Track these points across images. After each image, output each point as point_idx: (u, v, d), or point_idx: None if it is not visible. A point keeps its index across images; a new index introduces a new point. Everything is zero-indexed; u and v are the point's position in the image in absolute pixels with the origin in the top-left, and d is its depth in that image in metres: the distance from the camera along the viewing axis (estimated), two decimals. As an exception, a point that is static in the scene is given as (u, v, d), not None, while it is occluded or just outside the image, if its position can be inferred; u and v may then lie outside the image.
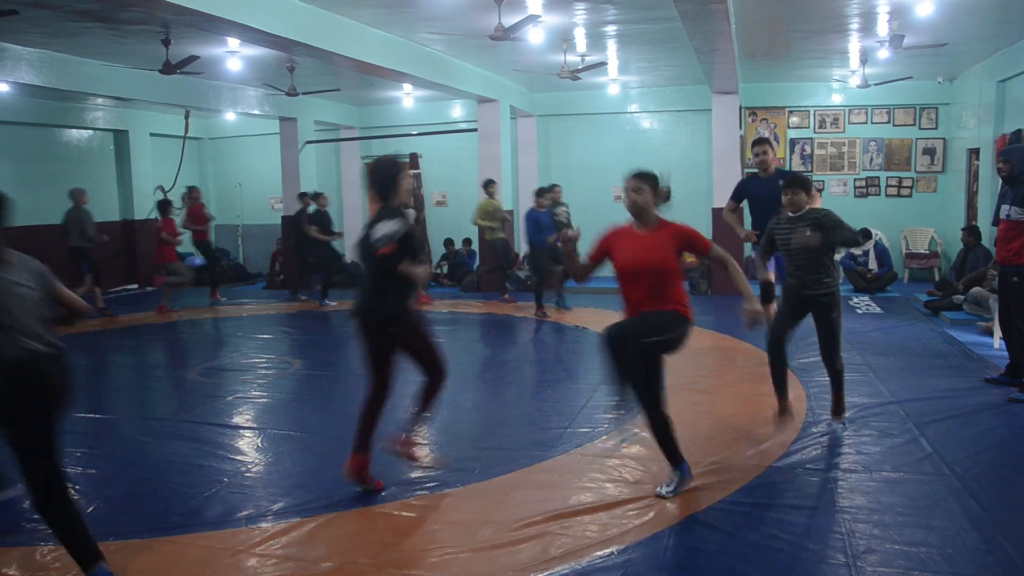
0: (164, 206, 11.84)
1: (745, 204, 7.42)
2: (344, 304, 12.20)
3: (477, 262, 13.84)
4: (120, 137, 15.04)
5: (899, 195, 13.78)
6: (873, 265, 12.35)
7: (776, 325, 5.36)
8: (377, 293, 4.39)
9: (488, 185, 11.90)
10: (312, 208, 12.55)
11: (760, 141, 7.06)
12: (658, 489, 4.35)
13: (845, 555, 3.61)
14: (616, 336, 4.23)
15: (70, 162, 14.24)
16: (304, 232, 12.33)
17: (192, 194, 12.69)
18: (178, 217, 14.50)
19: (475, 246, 14.00)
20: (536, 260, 10.77)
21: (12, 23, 7.64)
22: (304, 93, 11.88)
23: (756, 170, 7.42)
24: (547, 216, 10.83)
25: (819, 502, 4.22)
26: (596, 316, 9.98)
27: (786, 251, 5.27)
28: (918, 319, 9.67)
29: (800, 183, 5.24)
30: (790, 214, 5.27)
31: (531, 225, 10.73)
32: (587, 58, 10.56)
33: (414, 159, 15.28)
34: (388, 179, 4.46)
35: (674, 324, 4.22)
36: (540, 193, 10.96)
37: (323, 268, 12.52)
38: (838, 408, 5.50)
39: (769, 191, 6.75)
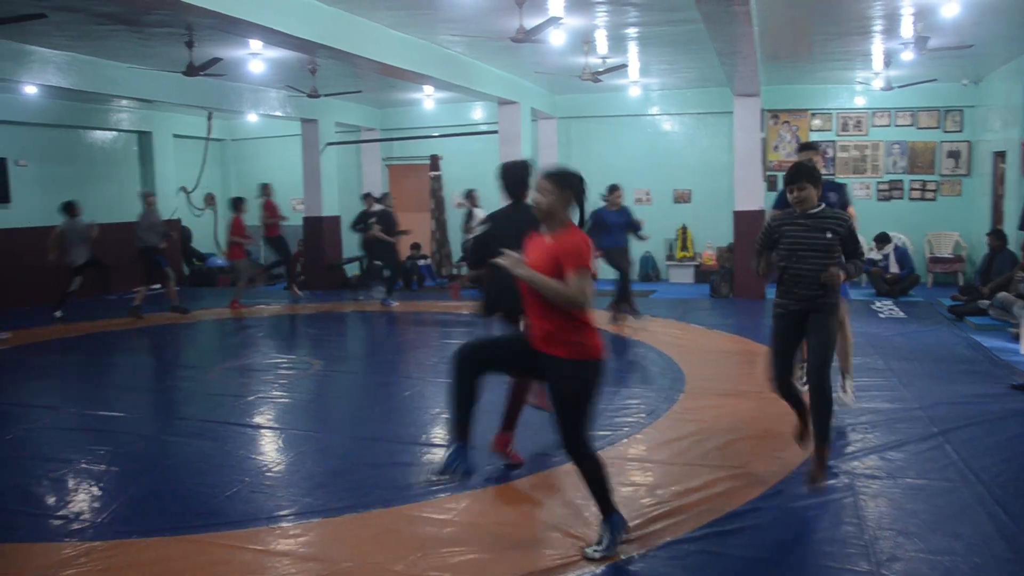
0: (237, 203, 12.07)
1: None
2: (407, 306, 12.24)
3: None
4: (144, 138, 15.20)
5: (923, 198, 13.64)
6: (894, 268, 12.24)
7: (777, 361, 4.56)
8: None
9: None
10: (376, 207, 12.60)
11: (807, 147, 5.98)
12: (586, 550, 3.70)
13: (868, 562, 3.57)
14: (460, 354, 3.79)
15: (95, 163, 14.40)
16: (368, 233, 12.31)
17: (265, 191, 13.17)
18: (197, 217, 14.69)
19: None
20: (609, 262, 9.70)
21: (40, 26, 7.72)
22: (325, 95, 11.94)
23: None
24: (618, 217, 9.82)
25: (842, 508, 4.18)
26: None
27: (789, 253, 4.46)
28: (942, 324, 9.57)
29: (806, 174, 4.42)
30: (797, 212, 4.49)
31: (593, 226, 9.34)
32: (608, 60, 10.53)
33: (434, 161, 15.31)
34: (519, 179, 5.01)
35: (565, 393, 3.57)
36: (611, 190, 9.91)
37: (390, 268, 12.44)
38: (820, 461, 4.36)
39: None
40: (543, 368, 3.63)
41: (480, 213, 12.19)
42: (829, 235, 4.35)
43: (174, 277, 11.53)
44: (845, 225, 4.40)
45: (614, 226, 9.70)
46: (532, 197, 3.69)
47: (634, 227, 9.94)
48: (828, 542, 3.81)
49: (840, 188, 6.03)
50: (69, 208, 10.93)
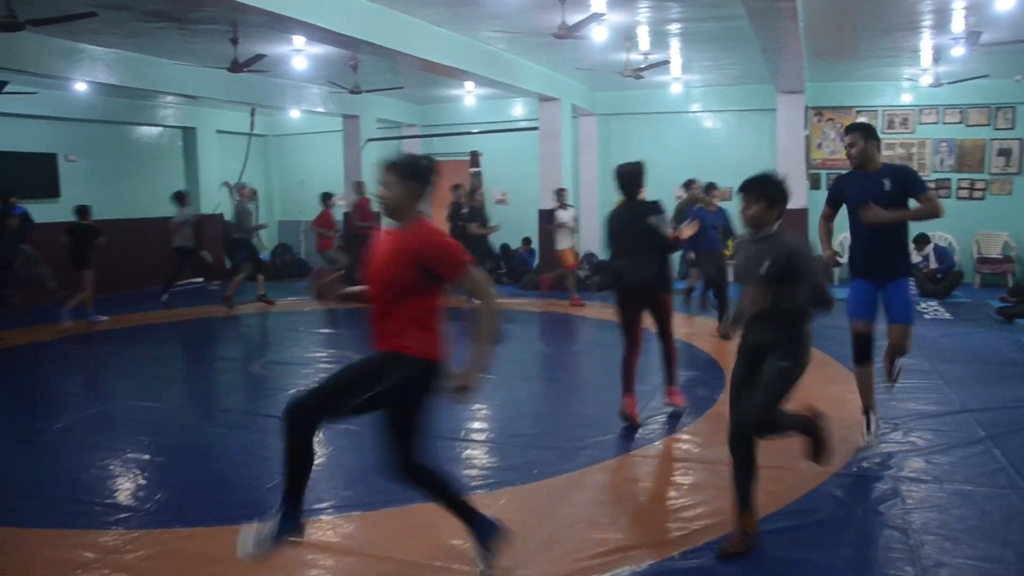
0: (326, 198, 12.43)
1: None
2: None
3: (537, 261, 13.81)
4: (188, 134, 15.44)
5: (971, 198, 13.34)
6: (933, 264, 12.02)
7: (738, 406, 3.77)
8: (646, 266, 5.45)
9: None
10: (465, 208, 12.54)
11: (852, 128, 5.00)
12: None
13: (914, 567, 3.50)
14: (294, 410, 3.10)
15: (141, 158, 14.66)
16: (461, 228, 12.26)
17: (360, 189, 13.30)
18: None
19: (535, 244, 13.98)
20: (701, 267, 9.24)
21: (90, 25, 7.87)
22: (367, 91, 12.01)
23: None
24: (715, 218, 9.05)
25: (886, 512, 4.11)
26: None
27: (739, 282, 3.89)
28: (990, 326, 9.36)
29: (757, 187, 3.67)
30: (750, 234, 3.80)
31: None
32: (650, 57, 10.45)
33: (475, 157, 15.33)
34: (634, 178, 5.55)
35: (377, 376, 3.16)
36: (708, 188, 9.28)
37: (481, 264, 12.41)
38: (740, 530, 3.68)
39: (871, 192, 4.87)
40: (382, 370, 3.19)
41: (563, 215, 11.60)
42: (767, 264, 3.61)
43: (244, 275, 11.77)
44: (785, 251, 3.60)
45: (711, 228, 8.94)
46: (376, 191, 3.30)
47: (729, 232, 9.12)
48: (872, 546, 3.75)
49: (899, 172, 4.95)
50: (180, 197, 11.80)
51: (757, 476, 3.69)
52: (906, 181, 4.87)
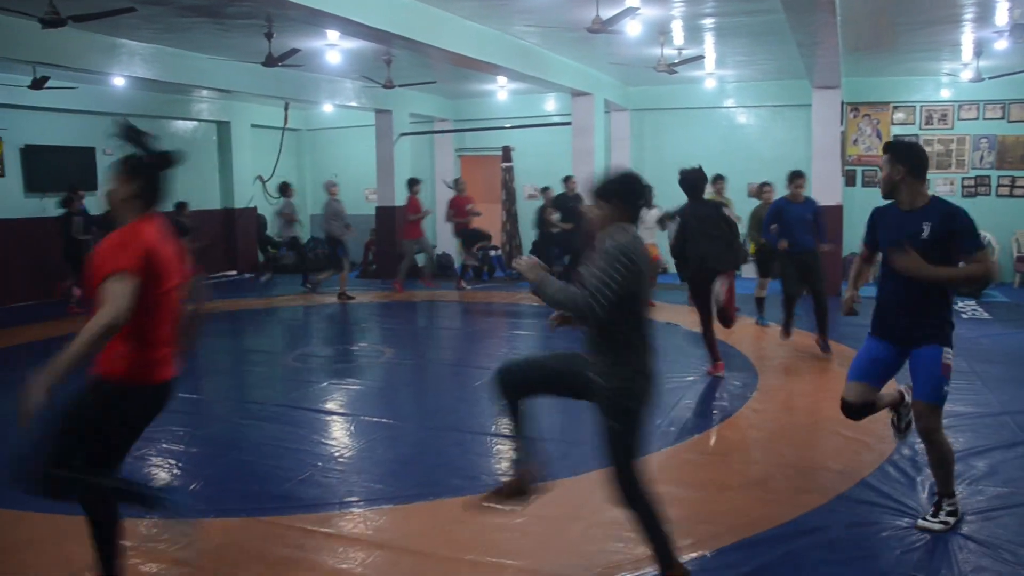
0: (412, 183, 12.65)
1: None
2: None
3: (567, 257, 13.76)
4: (223, 128, 15.60)
5: (1012, 195, 13.08)
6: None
7: (525, 364, 3.56)
8: (716, 251, 6.57)
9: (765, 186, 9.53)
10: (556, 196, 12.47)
11: (885, 147, 3.92)
12: None
13: (951, 572, 3.44)
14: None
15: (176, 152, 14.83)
16: (546, 221, 12.26)
17: (458, 186, 13.41)
18: (273, 206, 15.05)
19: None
20: (784, 270, 8.03)
21: (128, 20, 7.96)
22: (400, 86, 12.05)
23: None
24: (803, 210, 7.78)
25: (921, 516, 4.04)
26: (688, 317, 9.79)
27: None
28: (1031, 326, 9.19)
29: (599, 187, 3.15)
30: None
31: (771, 221, 7.94)
32: (684, 52, 10.36)
33: (506, 152, 15.33)
34: (695, 182, 6.68)
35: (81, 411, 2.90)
36: (792, 179, 7.88)
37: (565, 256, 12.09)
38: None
39: (907, 233, 3.75)
40: None
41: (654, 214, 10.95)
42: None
43: (348, 267, 12.07)
44: (601, 258, 3.04)
45: (797, 222, 7.68)
46: (105, 192, 3.05)
47: (820, 229, 7.92)
48: (906, 549, 3.69)
49: (948, 215, 3.73)
50: (284, 189, 12.73)
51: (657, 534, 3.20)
52: (955, 231, 3.70)
